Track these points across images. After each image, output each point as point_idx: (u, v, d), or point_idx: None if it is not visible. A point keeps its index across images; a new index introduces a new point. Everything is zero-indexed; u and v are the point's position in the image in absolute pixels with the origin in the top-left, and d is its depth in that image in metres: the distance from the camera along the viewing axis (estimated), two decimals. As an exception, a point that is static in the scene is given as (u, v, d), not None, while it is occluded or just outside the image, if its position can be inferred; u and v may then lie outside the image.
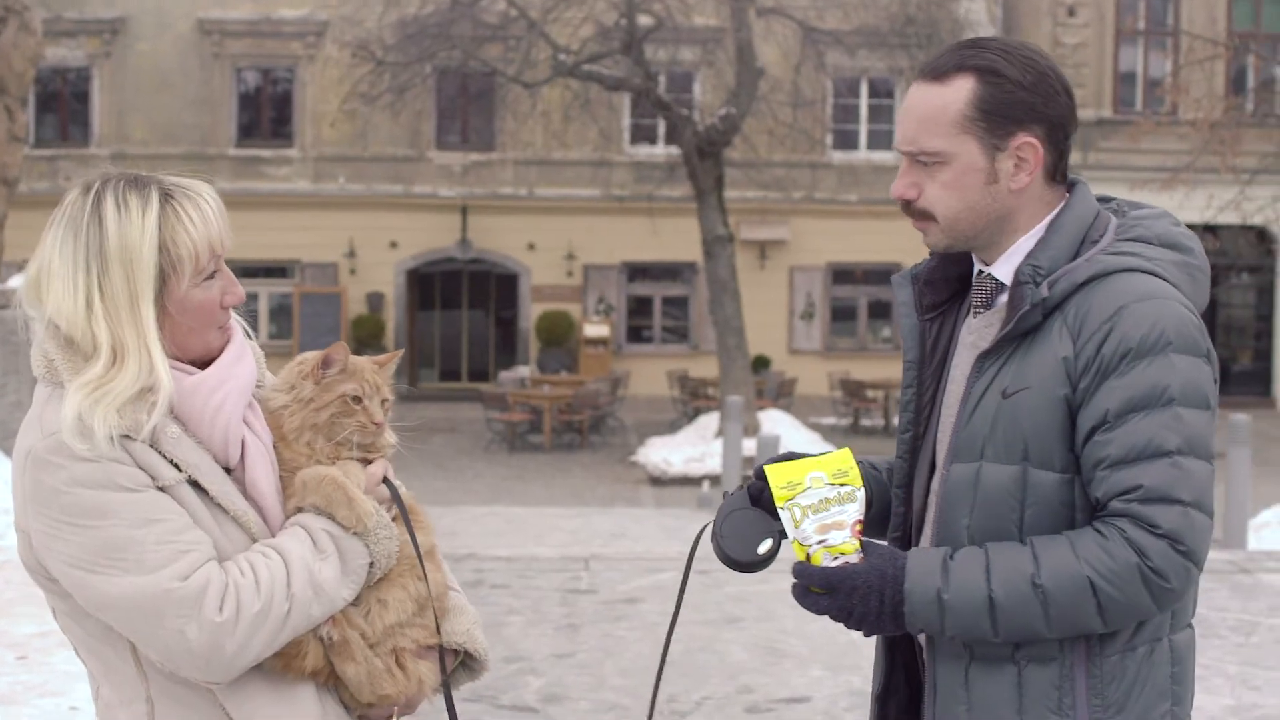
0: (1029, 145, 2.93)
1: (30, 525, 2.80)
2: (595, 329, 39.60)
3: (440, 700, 3.13)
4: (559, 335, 39.59)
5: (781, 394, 33.54)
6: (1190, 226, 3.05)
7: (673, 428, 31.34)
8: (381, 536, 2.94)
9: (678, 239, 38.14)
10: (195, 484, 2.84)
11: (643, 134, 39.62)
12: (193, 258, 2.85)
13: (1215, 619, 10.87)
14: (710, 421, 28.23)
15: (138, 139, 38.78)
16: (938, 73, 2.97)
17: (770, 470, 3.05)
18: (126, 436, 2.77)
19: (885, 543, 3.06)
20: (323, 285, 39.86)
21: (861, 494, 2.98)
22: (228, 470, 2.92)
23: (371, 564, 2.93)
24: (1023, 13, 37.60)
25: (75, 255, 2.82)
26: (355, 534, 2.91)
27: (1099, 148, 36.53)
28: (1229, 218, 30.46)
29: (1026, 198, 2.97)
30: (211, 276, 2.91)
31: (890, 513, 3.22)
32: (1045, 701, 2.89)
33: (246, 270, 39.30)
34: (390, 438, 3.13)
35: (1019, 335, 2.92)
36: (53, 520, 2.75)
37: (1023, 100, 2.92)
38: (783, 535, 3.04)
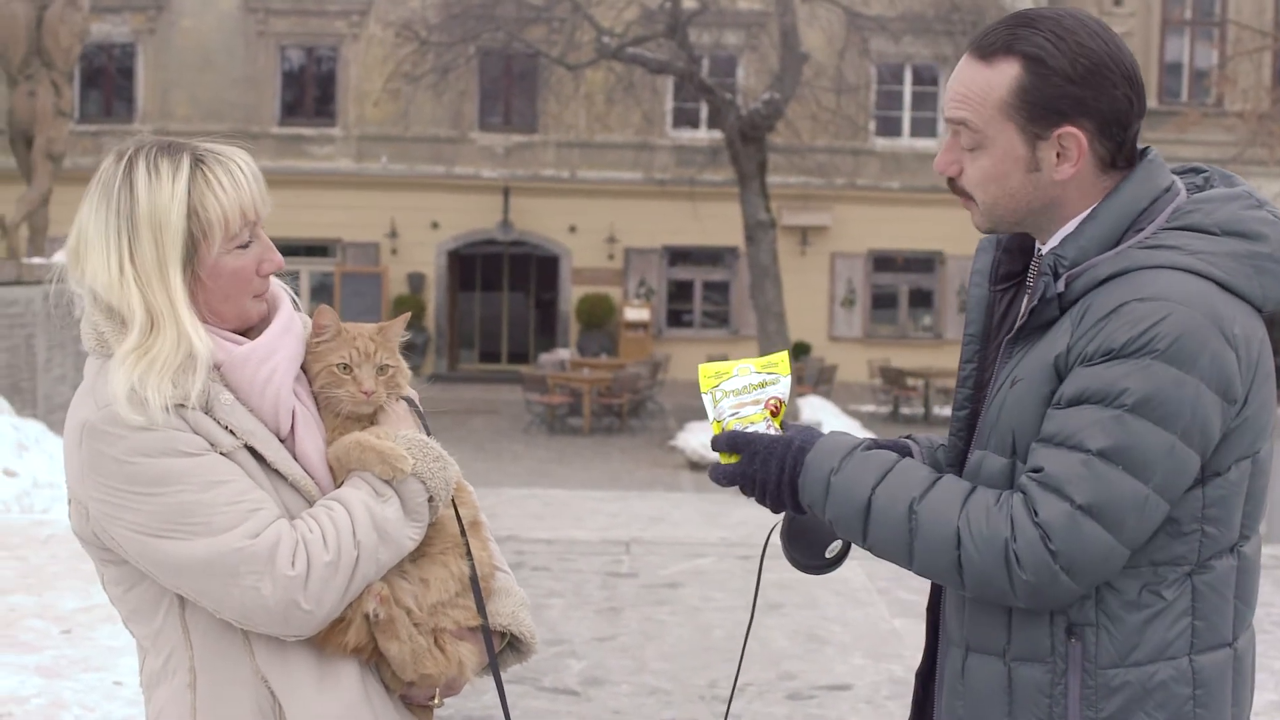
0: (1072, 136, 2.72)
1: (89, 496, 2.79)
2: (635, 312, 39.58)
3: (485, 681, 3.10)
4: (599, 318, 39.59)
5: (821, 381, 33.43)
6: None
7: (712, 413, 31.17)
8: (435, 470, 2.92)
9: (719, 223, 38.03)
10: (251, 450, 2.83)
11: (685, 118, 39.53)
12: (223, 223, 2.82)
13: (1260, 614, 10.80)
14: (749, 407, 28.11)
15: (181, 116, 38.85)
16: (985, 51, 2.77)
17: (703, 366, 2.98)
18: (180, 405, 2.77)
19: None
20: (364, 265, 39.94)
21: (786, 380, 2.91)
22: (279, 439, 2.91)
23: (431, 499, 2.91)
24: (1069, 1, 37.36)
25: (108, 222, 2.81)
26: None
27: (1143, 139, 36.17)
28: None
29: (1074, 186, 2.77)
30: (246, 245, 2.88)
31: None
32: (1034, 709, 2.73)
33: (288, 249, 38.68)
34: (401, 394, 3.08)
35: (1039, 326, 2.75)
36: (115, 490, 2.74)
37: (1070, 94, 2.71)
38: None
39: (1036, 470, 2.63)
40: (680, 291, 41.10)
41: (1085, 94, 2.71)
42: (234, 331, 2.92)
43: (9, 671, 8.05)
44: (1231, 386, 2.63)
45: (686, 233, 39.60)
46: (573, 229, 39.98)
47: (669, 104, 38.84)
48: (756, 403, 2.88)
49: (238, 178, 2.86)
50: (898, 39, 32.08)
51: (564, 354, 36.55)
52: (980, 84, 2.77)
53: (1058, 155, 2.75)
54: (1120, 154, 2.79)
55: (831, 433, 2.83)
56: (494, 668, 3.06)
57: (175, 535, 2.73)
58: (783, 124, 30.30)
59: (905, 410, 33.64)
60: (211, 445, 2.78)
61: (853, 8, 31.03)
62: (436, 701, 3.04)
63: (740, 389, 2.91)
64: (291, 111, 40.23)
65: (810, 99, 31.63)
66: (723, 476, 2.86)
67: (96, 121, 38.05)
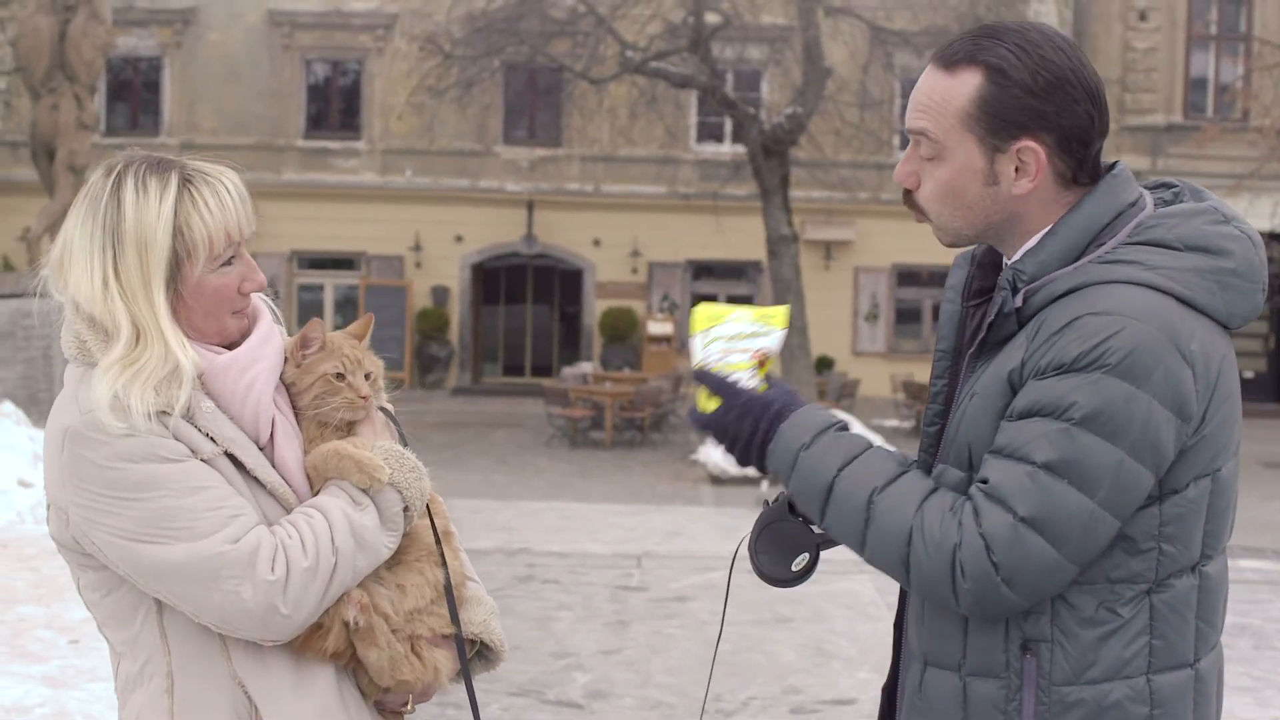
0: (1030, 150, 2.70)
1: (69, 501, 2.82)
2: (659, 326, 39.55)
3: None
4: (623, 332, 39.62)
5: (844, 395, 33.33)
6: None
7: (734, 427, 31.08)
8: (410, 480, 2.97)
9: (743, 238, 38.00)
10: (231, 457, 2.87)
11: (709, 132, 39.57)
12: (207, 244, 2.86)
13: (1271, 630, 10.77)
14: (771, 421, 27.99)
15: (207, 129, 39.01)
16: (948, 61, 2.76)
17: (700, 307, 2.98)
18: (163, 412, 2.80)
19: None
20: (388, 278, 40.00)
21: (779, 334, 2.90)
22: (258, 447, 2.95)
23: (406, 508, 2.95)
24: (1094, 16, 37.29)
25: (93, 236, 2.86)
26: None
27: (1168, 153, 36.24)
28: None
29: (1034, 201, 2.75)
30: (230, 263, 2.91)
31: None
32: None
33: (313, 261, 39.57)
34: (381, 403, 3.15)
35: (999, 341, 2.75)
36: (97, 495, 2.78)
37: (1030, 107, 2.69)
38: (819, 549, 2.98)
39: (984, 481, 2.63)
40: (703, 306, 41.00)
41: (1046, 108, 2.69)
42: (215, 346, 2.96)
43: (15, 681, 8.10)
44: (1186, 404, 2.60)
45: (710, 247, 39.58)
46: (596, 243, 40.04)
47: (692, 118, 38.84)
48: (744, 351, 2.88)
49: (224, 199, 2.89)
50: (921, 53, 31.95)
51: (587, 367, 36.48)
52: (941, 93, 2.76)
53: (1016, 169, 2.73)
54: (1082, 171, 2.76)
55: (810, 406, 2.83)
56: (466, 676, 3.10)
57: (156, 540, 2.77)
58: (806, 138, 30.28)
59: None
60: (192, 452, 2.82)
61: (876, 22, 31.02)
62: (409, 708, 3.08)
63: (732, 336, 2.91)
64: (317, 125, 40.39)
65: (833, 113, 31.60)
66: (698, 421, 2.88)
67: (123, 135, 38.12)
